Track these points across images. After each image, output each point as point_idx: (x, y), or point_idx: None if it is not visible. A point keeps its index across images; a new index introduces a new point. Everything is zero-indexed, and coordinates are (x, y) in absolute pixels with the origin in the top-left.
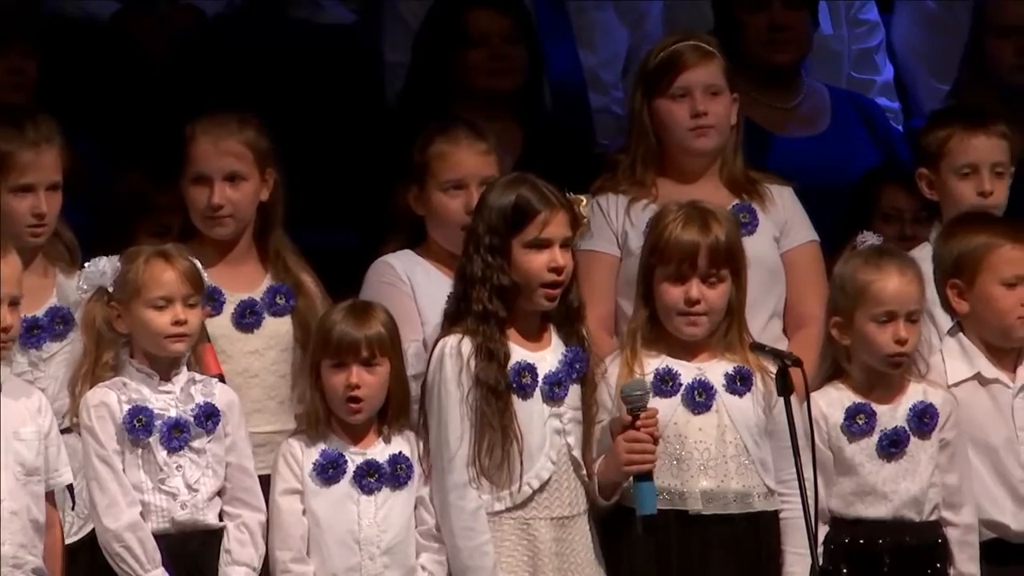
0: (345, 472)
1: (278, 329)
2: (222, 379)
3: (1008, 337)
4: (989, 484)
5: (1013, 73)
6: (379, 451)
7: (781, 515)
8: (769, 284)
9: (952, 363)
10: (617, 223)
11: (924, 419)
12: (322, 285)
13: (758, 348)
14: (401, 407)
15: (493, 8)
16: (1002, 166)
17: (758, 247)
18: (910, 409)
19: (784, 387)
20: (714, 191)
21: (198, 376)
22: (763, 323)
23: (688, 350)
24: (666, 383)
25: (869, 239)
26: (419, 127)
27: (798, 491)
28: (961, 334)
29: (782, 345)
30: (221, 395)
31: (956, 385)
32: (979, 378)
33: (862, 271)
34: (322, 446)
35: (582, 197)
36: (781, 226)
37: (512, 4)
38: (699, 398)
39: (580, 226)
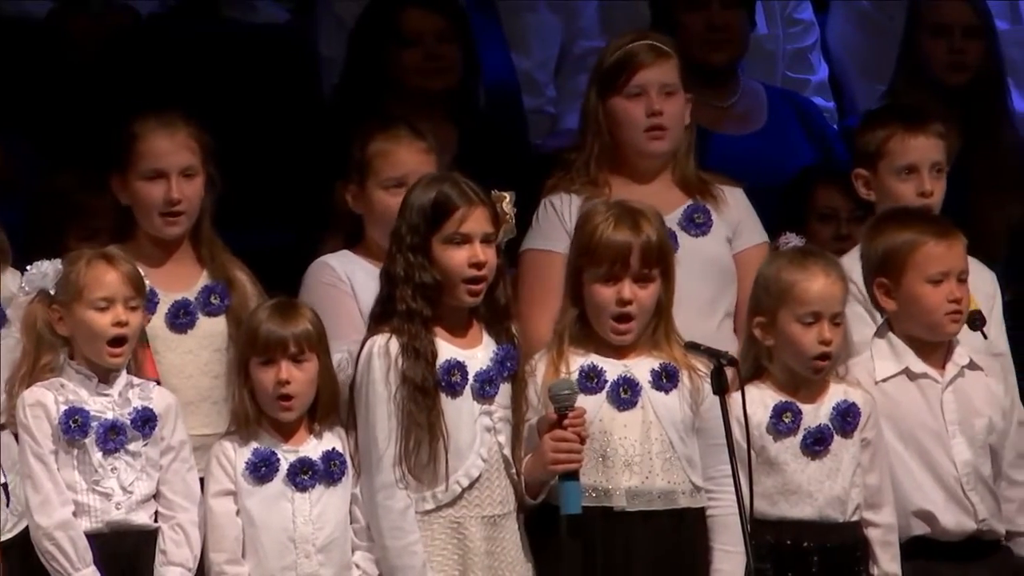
0: (278, 470)
1: (212, 329)
2: (158, 384)
3: (936, 333)
4: (920, 478)
5: (946, 73)
6: (312, 448)
7: (709, 512)
8: (722, 285)
9: (880, 360)
10: (571, 222)
11: (847, 418)
12: (259, 284)
13: (693, 347)
14: (331, 404)
15: (427, 8)
16: (940, 166)
17: (712, 248)
18: (833, 408)
19: (719, 386)
20: (667, 191)
21: (136, 380)
22: (716, 323)
23: (615, 348)
24: (591, 380)
25: (792, 240)
26: (355, 126)
27: (728, 488)
28: (890, 332)
29: (732, 346)
30: (159, 399)
31: (885, 381)
32: (907, 373)
33: (787, 271)
34: (254, 445)
35: (505, 194)
36: (734, 227)
37: (446, 3)
38: (624, 395)
39: (502, 223)
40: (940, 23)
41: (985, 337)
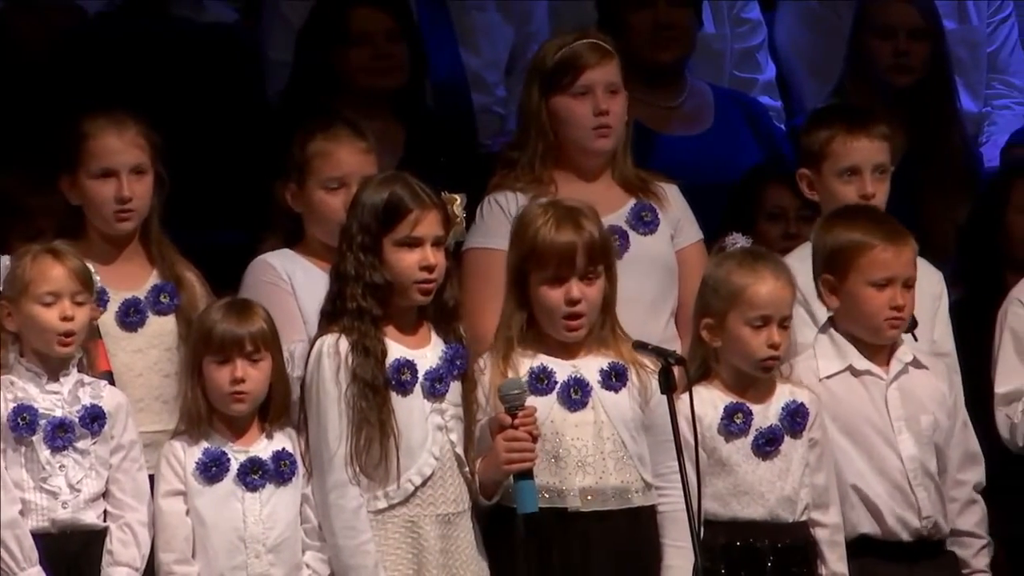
0: (228, 470)
1: (162, 328)
2: (111, 376)
3: (875, 337)
4: (866, 474)
5: (891, 74)
6: (262, 448)
7: (659, 509)
8: (668, 283)
9: (824, 358)
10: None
11: (796, 418)
12: (207, 284)
13: (641, 346)
14: (283, 403)
15: (375, 6)
16: (884, 167)
17: (657, 246)
18: (782, 408)
19: (667, 386)
20: (610, 190)
21: (87, 378)
22: (664, 323)
23: (564, 348)
24: (541, 381)
25: (739, 240)
26: (300, 124)
27: (677, 484)
28: (832, 329)
29: (676, 345)
30: (109, 397)
31: (829, 378)
32: (851, 370)
33: (737, 274)
34: (204, 445)
35: (456, 196)
36: (675, 225)
37: (395, 2)
38: (575, 395)
39: (453, 225)
40: (886, 24)
41: (915, 339)
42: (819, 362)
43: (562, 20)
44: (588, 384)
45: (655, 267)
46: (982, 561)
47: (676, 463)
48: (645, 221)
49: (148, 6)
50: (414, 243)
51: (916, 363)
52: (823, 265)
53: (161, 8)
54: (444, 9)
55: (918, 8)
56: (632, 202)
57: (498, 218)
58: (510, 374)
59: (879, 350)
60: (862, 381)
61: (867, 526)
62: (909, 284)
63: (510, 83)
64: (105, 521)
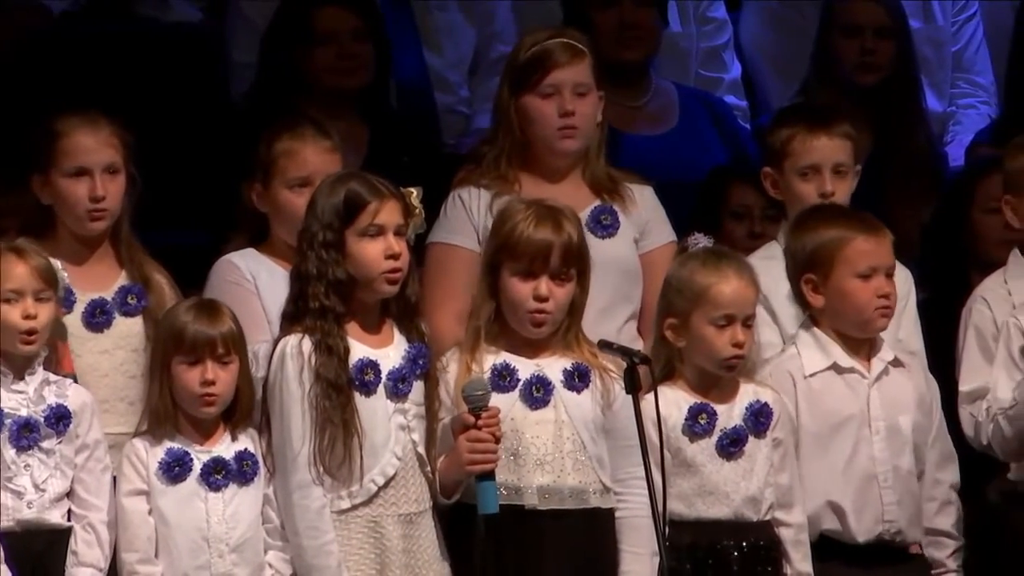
0: (191, 470)
1: (129, 329)
2: (74, 378)
3: (866, 329)
4: (836, 474)
5: (857, 73)
6: (225, 448)
7: (618, 514)
8: (627, 287)
9: (808, 355)
10: (478, 218)
11: (760, 418)
12: (176, 286)
13: (606, 346)
14: (248, 405)
15: (341, 6)
16: (844, 166)
17: (617, 249)
18: (746, 408)
19: (632, 385)
20: (576, 190)
21: (53, 377)
22: (619, 325)
23: (528, 347)
24: (504, 379)
25: (701, 240)
26: (265, 124)
27: (638, 490)
28: (815, 327)
29: (637, 347)
30: (75, 397)
31: (813, 375)
32: (835, 367)
33: (701, 274)
34: (167, 445)
35: (412, 189)
36: (642, 227)
37: (360, 2)
38: (537, 393)
39: (412, 216)
40: (852, 24)
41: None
42: (803, 359)
43: (526, 20)
44: (550, 383)
45: (610, 271)
46: (955, 562)
47: (637, 468)
48: (604, 225)
49: (113, 6)
50: (377, 232)
51: (896, 362)
52: (804, 266)
53: (126, 7)
54: (407, 9)
55: (885, 7)
56: (594, 205)
57: (460, 214)
58: (474, 368)
59: (860, 348)
60: (846, 379)
61: (830, 524)
62: (890, 273)
63: (473, 83)
64: (69, 521)
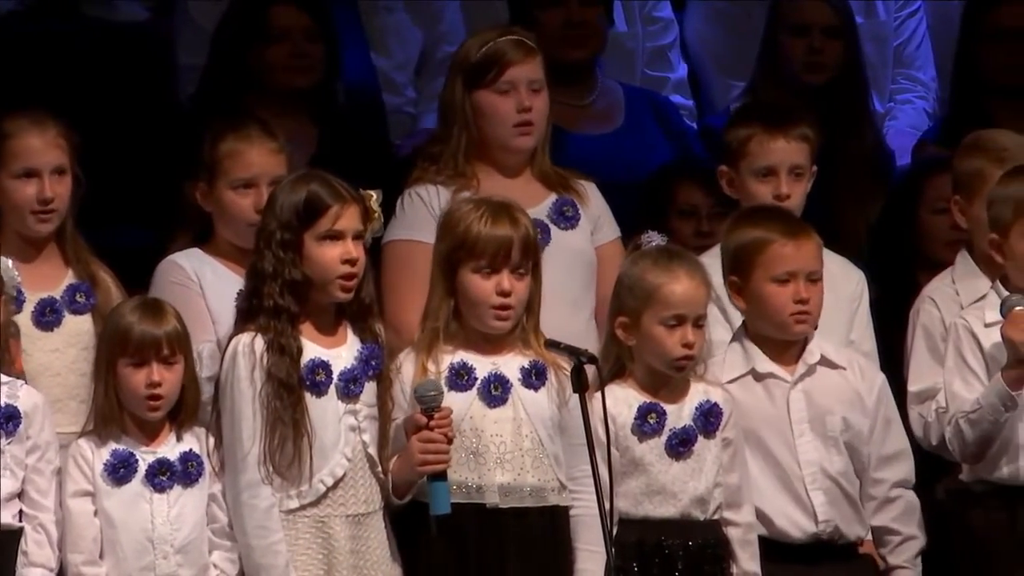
0: (136, 471)
1: (78, 327)
2: (23, 378)
3: (783, 333)
4: (761, 479)
5: (805, 72)
6: (170, 449)
7: (572, 512)
8: (589, 279)
9: (731, 360)
10: (439, 213)
11: (710, 418)
12: (121, 284)
13: (553, 345)
14: (193, 405)
15: (295, 5)
16: (801, 168)
17: (578, 241)
18: (696, 408)
19: (579, 384)
20: (531, 185)
21: (4, 378)
22: (587, 317)
23: (485, 345)
24: (461, 377)
25: (654, 239)
26: (212, 123)
27: (589, 488)
28: (744, 334)
29: (596, 341)
30: (26, 397)
31: (731, 382)
32: (753, 373)
33: (652, 273)
34: (113, 446)
35: (372, 192)
36: (594, 222)
37: (314, 2)
38: (495, 392)
39: (371, 220)
40: (800, 23)
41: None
42: (724, 367)
43: (473, 20)
44: (508, 381)
45: (576, 262)
46: (899, 557)
47: (588, 466)
48: (567, 216)
49: (59, 5)
50: (336, 237)
51: (827, 362)
52: (729, 267)
53: (72, 6)
54: (354, 11)
55: (832, 6)
56: (554, 197)
57: (420, 211)
58: (431, 367)
59: (787, 351)
60: (764, 384)
61: (760, 530)
62: (813, 278)
63: (420, 83)
64: (20, 521)
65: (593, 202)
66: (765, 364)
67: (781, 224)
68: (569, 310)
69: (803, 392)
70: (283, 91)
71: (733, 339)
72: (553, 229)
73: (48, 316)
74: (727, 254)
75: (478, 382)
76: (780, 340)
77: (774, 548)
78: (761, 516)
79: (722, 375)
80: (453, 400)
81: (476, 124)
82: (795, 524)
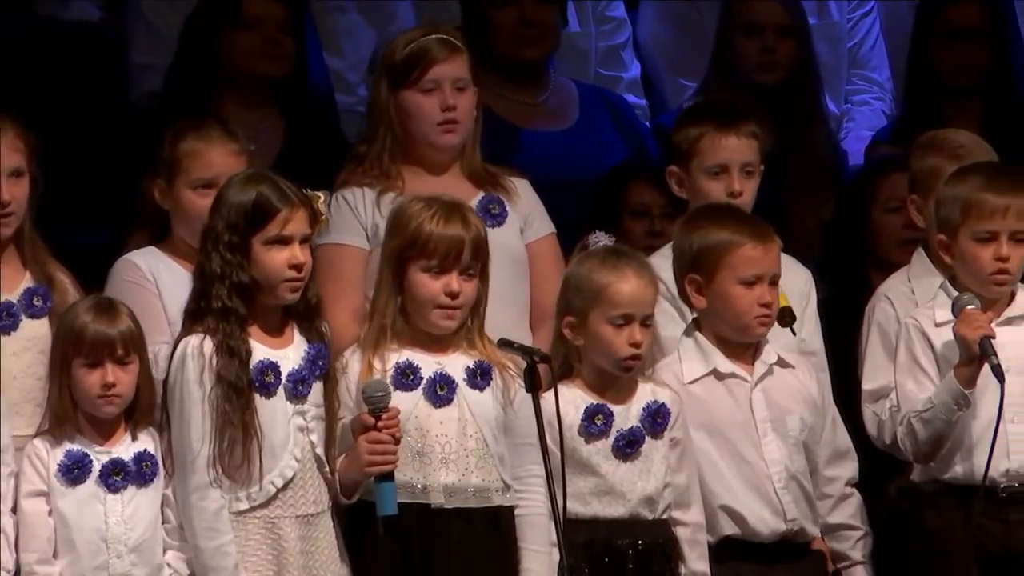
0: (91, 471)
1: (35, 331)
2: None
3: (744, 335)
4: (730, 478)
5: (758, 72)
6: (124, 449)
7: (517, 511)
8: (518, 277)
9: (688, 361)
10: (366, 216)
11: (657, 419)
12: (79, 286)
13: (506, 345)
14: (149, 404)
15: None
16: (752, 166)
17: (507, 239)
18: (643, 409)
19: (532, 384)
20: (459, 183)
21: None
22: (515, 316)
23: (431, 344)
24: (407, 377)
25: (601, 239)
26: (172, 120)
27: (536, 488)
28: (697, 332)
29: (529, 339)
30: None
31: (693, 382)
32: (715, 373)
33: (599, 272)
34: (67, 446)
35: (319, 194)
36: (524, 218)
37: None
38: (440, 392)
39: (318, 223)
40: (753, 23)
41: (794, 334)
42: (683, 366)
43: (426, 19)
44: (454, 381)
45: (503, 259)
46: (860, 552)
47: (535, 466)
48: (493, 214)
49: (11, 3)
50: (283, 242)
51: (781, 363)
52: (689, 265)
53: (24, 6)
54: (307, 9)
55: (785, 6)
56: (480, 195)
57: (346, 215)
58: (377, 364)
59: (744, 352)
60: (726, 384)
61: (730, 529)
62: (775, 281)
63: (369, 83)
64: None
65: (523, 199)
66: (726, 364)
67: (750, 227)
68: (498, 309)
69: (763, 392)
70: (252, 80)
71: (685, 335)
72: None
73: (5, 320)
74: (687, 252)
75: (423, 382)
76: (735, 341)
77: (740, 547)
78: (734, 515)
79: (681, 374)
80: (398, 400)
81: (401, 123)
82: (766, 523)
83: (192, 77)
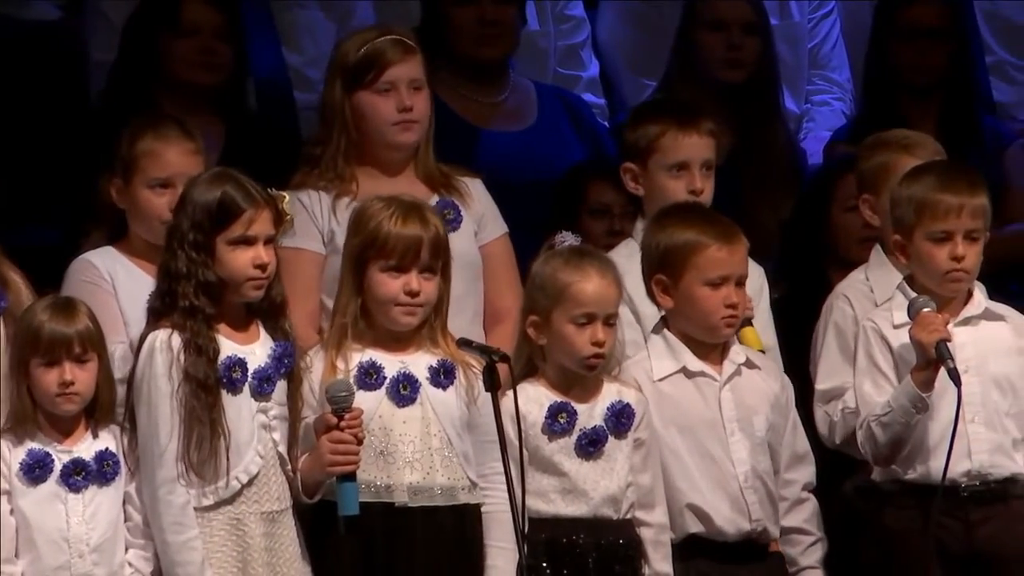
0: (52, 471)
1: None
2: None
3: (711, 336)
4: (698, 477)
5: (723, 69)
6: (86, 448)
7: (483, 509)
8: (473, 280)
9: (657, 359)
10: (322, 220)
11: (621, 419)
12: (31, 285)
13: (465, 344)
14: (109, 403)
15: (208, 2)
16: (710, 164)
17: (461, 243)
18: (607, 408)
19: (491, 383)
20: (413, 185)
21: None
22: (469, 319)
23: (394, 343)
24: (370, 376)
25: (568, 238)
26: (124, 120)
27: (500, 485)
28: (666, 330)
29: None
30: None
31: (662, 380)
32: (685, 371)
33: (563, 272)
34: (29, 445)
35: (284, 194)
36: (478, 220)
37: (227, 1)
38: (404, 391)
39: (283, 223)
40: (718, 19)
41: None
42: (653, 363)
43: (385, 16)
44: (417, 380)
45: (459, 265)
46: (811, 558)
47: (499, 464)
48: (448, 219)
49: None
50: (248, 242)
51: (749, 363)
52: (656, 265)
53: None
54: (266, 7)
55: (750, 3)
56: (435, 200)
57: (301, 217)
58: (340, 364)
59: (712, 351)
60: (696, 383)
61: (695, 527)
62: (741, 282)
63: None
64: None
65: (477, 200)
66: (695, 363)
67: (716, 227)
68: (451, 310)
69: (732, 392)
70: (189, 87)
71: (654, 333)
72: None
73: None
74: (654, 252)
75: (387, 381)
76: (702, 341)
77: (704, 546)
78: (700, 513)
79: (652, 371)
80: (362, 399)
81: (356, 125)
82: (731, 523)
83: (132, 79)
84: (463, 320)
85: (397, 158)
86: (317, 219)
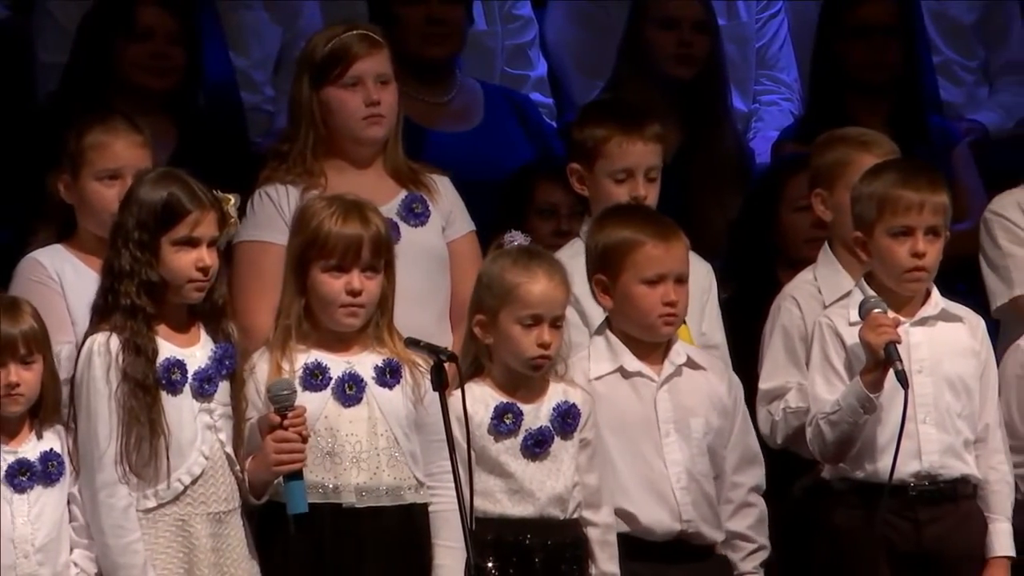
0: None
1: None
2: None
3: (650, 334)
4: (627, 477)
5: (673, 66)
6: (30, 449)
7: (430, 508)
8: (440, 276)
9: (596, 359)
10: (289, 215)
11: (567, 419)
12: None
13: (413, 344)
14: (54, 403)
15: (162, 6)
16: (655, 170)
17: (429, 238)
18: (554, 409)
19: (439, 382)
20: (382, 180)
21: None
22: (435, 314)
23: (339, 343)
24: (315, 377)
25: (517, 238)
26: (74, 117)
27: (448, 484)
28: (608, 330)
29: (450, 338)
30: None
31: (599, 379)
32: (621, 371)
33: (511, 272)
34: None
35: (230, 196)
36: (446, 216)
37: (181, 6)
38: (349, 391)
39: (227, 225)
40: (669, 16)
41: None
42: (591, 364)
43: (332, 17)
44: (363, 380)
45: (425, 259)
46: (750, 564)
47: (447, 463)
48: (416, 213)
49: None
50: (192, 243)
51: (692, 364)
52: (596, 265)
53: None
54: (212, 9)
55: (700, 2)
56: (403, 194)
57: (269, 211)
58: (285, 366)
59: (653, 351)
60: (632, 383)
61: (620, 526)
62: (681, 280)
63: (277, 81)
64: None
65: (445, 197)
66: (633, 363)
67: (652, 225)
68: (418, 307)
69: (669, 393)
70: (141, 90)
71: (597, 334)
72: (403, 226)
73: None
74: (594, 252)
75: (332, 382)
76: (642, 341)
77: (635, 546)
78: (624, 513)
79: (589, 371)
80: (307, 400)
81: (324, 121)
82: (659, 522)
83: (85, 81)
84: (430, 315)
85: (365, 153)
86: (284, 212)
